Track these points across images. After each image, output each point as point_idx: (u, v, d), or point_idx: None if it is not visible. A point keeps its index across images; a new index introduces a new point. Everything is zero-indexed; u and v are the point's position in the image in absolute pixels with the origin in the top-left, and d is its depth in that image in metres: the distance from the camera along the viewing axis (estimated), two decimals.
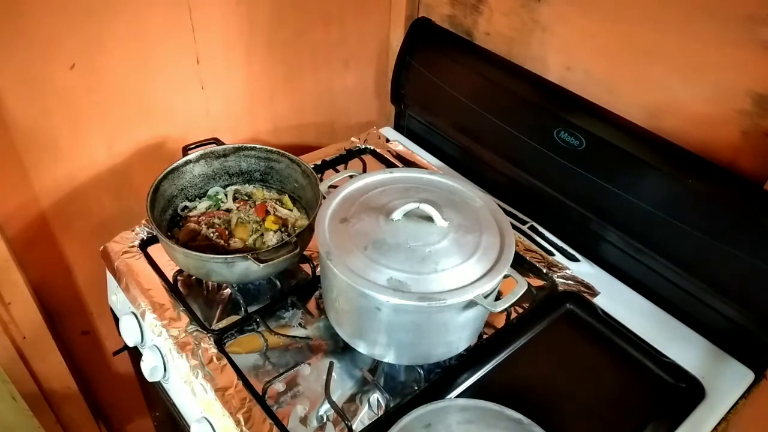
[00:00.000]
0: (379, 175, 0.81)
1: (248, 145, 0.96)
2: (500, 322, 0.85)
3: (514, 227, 0.92)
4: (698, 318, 0.84)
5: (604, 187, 0.87)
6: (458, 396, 0.74)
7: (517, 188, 1.03)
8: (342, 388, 0.75)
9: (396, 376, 0.78)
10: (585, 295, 0.88)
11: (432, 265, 0.66)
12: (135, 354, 0.92)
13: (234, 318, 0.82)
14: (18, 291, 0.93)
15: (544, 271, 0.91)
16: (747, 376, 0.79)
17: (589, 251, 0.95)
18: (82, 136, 0.91)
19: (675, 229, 0.81)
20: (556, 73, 0.97)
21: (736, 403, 0.76)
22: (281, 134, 1.18)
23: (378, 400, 0.74)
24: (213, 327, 0.81)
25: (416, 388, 0.75)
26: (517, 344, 0.81)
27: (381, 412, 0.72)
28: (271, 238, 0.88)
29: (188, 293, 0.87)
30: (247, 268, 0.78)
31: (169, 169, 0.89)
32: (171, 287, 0.85)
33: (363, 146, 1.17)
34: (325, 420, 0.71)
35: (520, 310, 0.86)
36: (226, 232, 0.88)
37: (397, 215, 0.71)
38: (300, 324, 0.83)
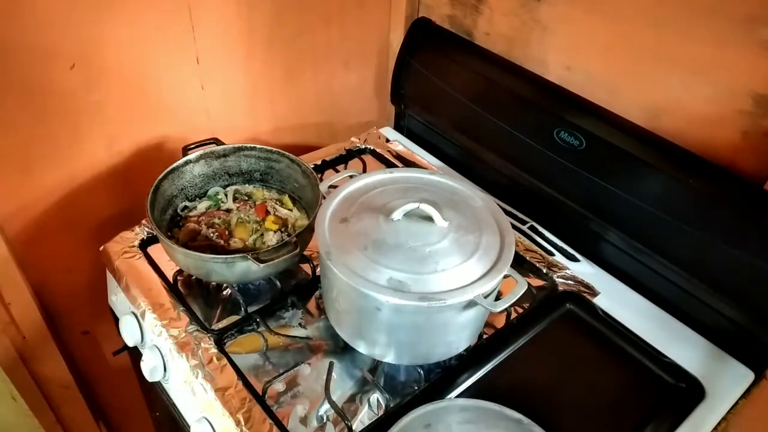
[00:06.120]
0: (379, 175, 0.81)
1: (248, 145, 0.95)
2: (500, 322, 0.85)
3: (514, 227, 0.92)
4: (698, 318, 0.84)
5: (604, 187, 0.88)
6: (458, 396, 0.74)
7: (517, 188, 1.03)
8: (342, 388, 0.75)
9: (396, 376, 0.78)
10: (585, 295, 0.88)
11: (432, 265, 0.66)
12: (135, 354, 0.92)
13: (234, 318, 0.82)
14: (18, 291, 0.93)
15: (544, 271, 0.91)
16: (747, 376, 0.79)
17: (589, 251, 0.95)
18: (82, 136, 0.91)
19: (675, 229, 0.81)
20: (556, 73, 0.97)
21: (736, 403, 0.76)
22: (281, 134, 1.18)
23: (378, 400, 0.74)
24: (213, 327, 0.81)
25: (416, 388, 0.75)
26: (517, 344, 0.81)
27: (381, 412, 0.72)
28: (271, 238, 0.88)
29: (188, 293, 0.87)
30: (247, 268, 0.78)
31: (169, 169, 0.89)
32: (171, 287, 0.85)
33: (363, 146, 1.17)
34: (325, 420, 0.71)
35: (520, 310, 0.86)
36: (226, 232, 0.88)
37: (397, 215, 0.71)
38: (300, 324, 0.83)
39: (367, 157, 1.16)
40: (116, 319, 0.94)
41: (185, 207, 0.94)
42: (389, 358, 0.74)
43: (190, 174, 0.93)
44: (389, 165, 1.13)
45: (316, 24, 1.09)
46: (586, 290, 0.88)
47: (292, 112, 1.17)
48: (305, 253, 0.88)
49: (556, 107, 0.93)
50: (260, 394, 0.72)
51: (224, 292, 0.87)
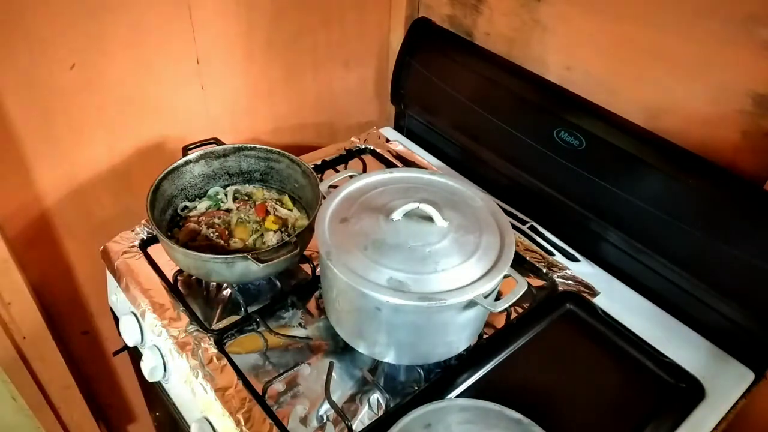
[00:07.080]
0: (379, 175, 0.81)
1: (248, 145, 0.96)
2: (500, 322, 0.85)
3: (514, 227, 0.92)
4: (698, 318, 0.84)
5: (604, 187, 0.88)
6: (458, 396, 0.74)
7: (517, 188, 1.03)
8: (342, 388, 0.75)
9: (396, 376, 0.78)
10: (585, 295, 0.88)
11: (432, 265, 0.66)
12: (135, 354, 0.92)
13: (234, 318, 0.82)
14: (18, 291, 0.93)
15: (544, 271, 0.91)
16: (747, 376, 0.79)
17: (589, 251, 0.95)
18: (82, 136, 0.91)
19: (675, 229, 0.81)
20: (556, 73, 0.97)
21: (736, 403, 0.76)
22: (281, 134, 1.18)
23: (378, 400, 0.74)
24: (213, 327, 0.81)
25: (416, 388, 0.75)
26: (517, 344, 0.81)
27: (381, 412, 0.72)
28: (271, 238, 0.88)
29: (188, 293, 0.87)
30: (247, 268, 0.78)
31: (169, 169, 0.89)
32: (171, 287, 0.85)
33: (363, 146, 1.17)
34: (325, 420, 0.71)
35: (520, 310, 0.86)
36: (226, 232, 0.88)
37: (397, 215, 0.71)
38: (300, 324, 0.83)
39: (367, 157, 1.16)
40: (116, 319, 0.94)
41: (185, 207, 0.94)
42: (389, 358, 0.74)
43: (190, 174, 0.93)
44: (389, 165, 1.13)
45: (316, 24, 1.09)
46: (586, 290, 0.88)
47: (292, 112, 1.17)
48: (305, 253, 0.88)
49: (556, 107, 0.93)
50: (260, 394, 0.72)
51: (224, 292, 0.88)
